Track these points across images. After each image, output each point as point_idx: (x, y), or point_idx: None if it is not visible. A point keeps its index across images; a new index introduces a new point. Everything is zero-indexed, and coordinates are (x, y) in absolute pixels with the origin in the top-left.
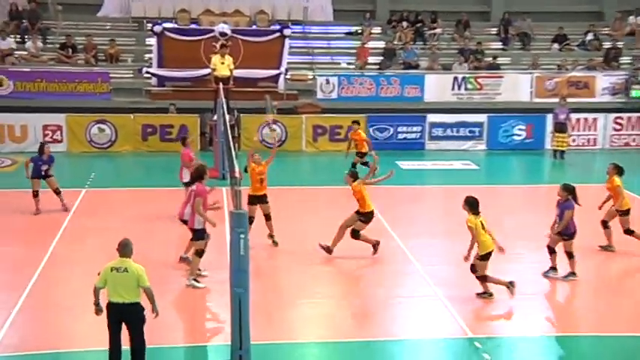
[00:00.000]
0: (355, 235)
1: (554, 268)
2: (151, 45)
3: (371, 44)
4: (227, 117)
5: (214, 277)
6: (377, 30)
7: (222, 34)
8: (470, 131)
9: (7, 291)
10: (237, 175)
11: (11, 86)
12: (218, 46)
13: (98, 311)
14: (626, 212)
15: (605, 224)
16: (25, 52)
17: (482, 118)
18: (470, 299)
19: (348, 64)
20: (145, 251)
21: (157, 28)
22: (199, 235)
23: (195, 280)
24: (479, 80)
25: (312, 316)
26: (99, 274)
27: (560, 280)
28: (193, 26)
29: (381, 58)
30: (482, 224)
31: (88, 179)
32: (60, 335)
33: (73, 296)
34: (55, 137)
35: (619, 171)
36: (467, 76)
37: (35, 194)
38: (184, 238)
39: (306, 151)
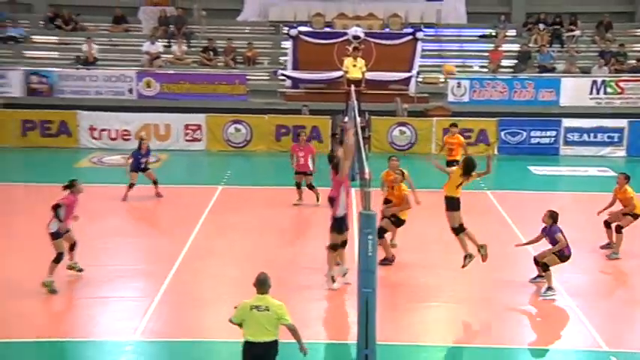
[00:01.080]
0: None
1: None
2: (286, 48)
3: (505, 47)
4: (358, 119)
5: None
6: (512, 32)
7: (356, 37)
8: (608, 137)
9: (150, 280)
10: (366, 176)
11: (158, 87)
12: (350, 49)
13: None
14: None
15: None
16: (171, 56)
17: (622, 123)
18: (604, 312)
19: (481, 67)
20: (277, 249)
21: (293, 32)
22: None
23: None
24: (620, 84)
25: (438, 319)
26: (235, 307)
27: None
28: (327, 29)
29: (515, 61)
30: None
31: (224, 177)
32: (196, 325)
33: (209, 288)
34: (195, 136)
35: (629, 180)
36: (607, 79)
37: (131, 186)
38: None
39: (435, 154)
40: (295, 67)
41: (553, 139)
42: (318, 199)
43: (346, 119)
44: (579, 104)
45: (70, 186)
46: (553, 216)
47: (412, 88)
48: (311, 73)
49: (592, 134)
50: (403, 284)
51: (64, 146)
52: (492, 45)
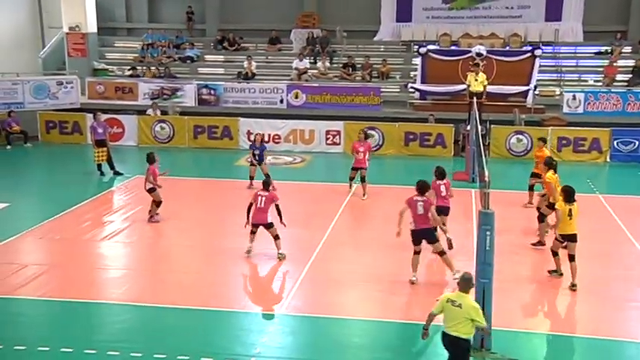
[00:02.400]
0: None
1: None
2: (416, 64)
3: (620, 62)
4: (479, 127)
5: (461, 265)
6: (627, 49)
7: (479, 55)
8: None
9: (294, 264)
10: (486, 179)
11: (304, 98)
12: (472, 64)
13: (425, 335)
14: None
15: None
16: (316, 71)
17: None
18: None
19: (595, 81)
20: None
21: (422, 50)
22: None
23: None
24: None
25: (547, 309)
26: (437, 300)
27: None
28: (453, 48)
29: (630, 75)
30: (570, 212)
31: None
32: (333, 303)
33: (344, 273)
34: (334, 140)
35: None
36: None
37: (251, 179)
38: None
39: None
40: (423, 81)
41: None
42: (364, 195)
43: (468, 127)
44: None
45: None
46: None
47: (529, 100)
48: (437, 86)
49: None
50: (518, 275)
51: (226, 147)
52: (607, 61)
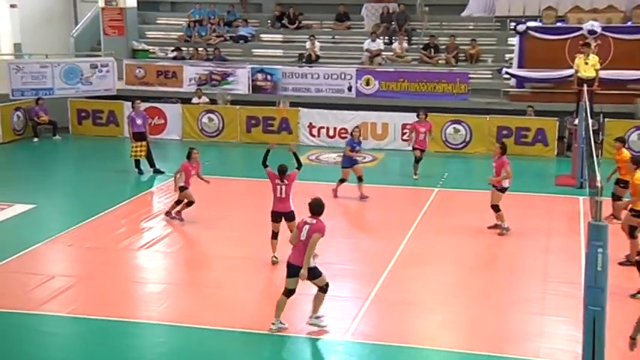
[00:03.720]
0: None
1: None
2: (512, 45)
3: None
4: (590, 121)
5: (558, 287)
6: None
7: (591, 32)
8: None
9: (361, 281)
10: (598, 184)
11: (377, 85)
12: (582, 45)
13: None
14: None
15: None
16: (392, 53)
17: None
18: None
19: None
20: (491, 251)
21: (520, 27)
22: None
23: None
24: None
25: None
26: None
27: None
28: (559, 24)
29: None
30: None
31: (441, 179)
32: (408, 330)
33: (422, 294)
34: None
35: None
36: None
37: (342, 181)
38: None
39: None
40: (521, 65)
41: None
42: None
43: (576, 121)
44: None
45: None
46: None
47: None
48: (538, 71)
49: None
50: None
51: (284, 142)
52: None
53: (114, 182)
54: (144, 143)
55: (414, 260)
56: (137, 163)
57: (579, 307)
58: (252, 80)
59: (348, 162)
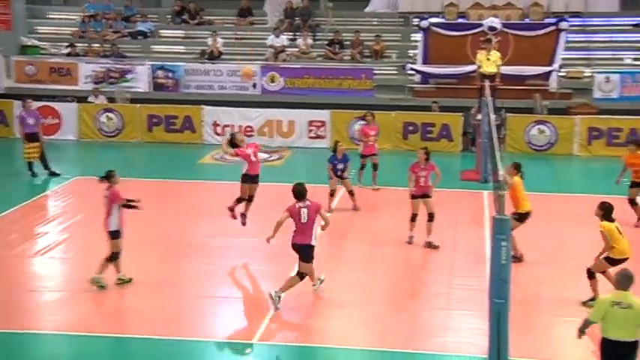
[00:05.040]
0: None
1: None
2: (416, 41)
3: None
4: (492, 116)
5: (462, 281)
6: None
7: (491, 29)
8: None
9: (270, 282)
10: (500, 178)
11: (282, 82)
12: (484, 41)
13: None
14: None
15: None
16: (296, 49)
17: None
18: None
19: (634, 59)
20: (396, 255)
21: (424, 23)
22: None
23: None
24: None
25: (572, 337)
26: (594, 304)
27: None
28: (461, 21)
29: None
30: (618, 229)
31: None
32: (317, 330)
33: (331, 293)
34: (318, 133)
35: None
36: None
37: (332, 193)
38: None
39: (578, 155)
40: (425, 61)
41: None
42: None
43: (479, 116)
44: None
45: (109, 177)
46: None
47: (553, 84)
48: (442, 67)
49: None
50: (537, 295)
51: (187, 142)
52: None
53: (5, 186)
54: (37, 144)
55: (322, 260)
56: (30, 165)
57: (485, 300)
58: (153, 78)
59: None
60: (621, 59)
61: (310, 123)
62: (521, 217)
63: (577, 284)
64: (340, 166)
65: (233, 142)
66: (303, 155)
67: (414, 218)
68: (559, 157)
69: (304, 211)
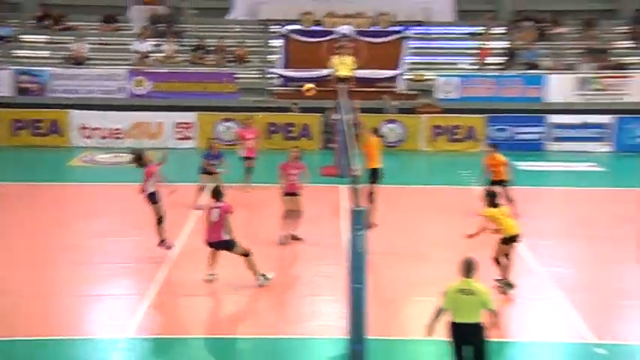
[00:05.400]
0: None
1: None
2: (276, 46)
3: (492, 44)
4: (347, 116)
5: (325, 270)
6: (499, 30)
7: (344, 36)
8: (594, 132)
9: (142, 278)
10: (356, 173)
11: (149, 86)
12: (338, 47)
13: (431, 331)
14: None
15: None
16: (162, 54)
17: (608, 119)
18: (594, 304)
19: (470, 64)
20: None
21: (283, 30)
22: (230, 244)
23: (262, 276)
24: (604, 80)
25: (425, 314)
26: (442, 294)
27: None
28: (317, 28)
29: (503, 58)
30: (501, 212)
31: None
32: (191, 322)
33: (202, 287)
34: (186, 134)
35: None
36: (591, 76)
37: (200, 189)
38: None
39: (424, 150)
40: (285, 66)
41: (539, 134)
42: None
43: (336, 116)
44: (565, 100)
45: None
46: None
47: (400, 86)
48: (301, 71)
49: (578, 130)
50: (390, 278)
51: (55, 145)
52: (480, 43)
53: None
54: None
55: (193, 254)
56: None
57: (345, 286)
58: (18, 82)
59: (202, 170)
60: (459, 64)
61: (178, 125)
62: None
63: (426, 267)
64: (214, 161)
65: (141, 160)
66: (171, 156)
67: (286, 215)
68: (408, 152)
69: (216, 211)
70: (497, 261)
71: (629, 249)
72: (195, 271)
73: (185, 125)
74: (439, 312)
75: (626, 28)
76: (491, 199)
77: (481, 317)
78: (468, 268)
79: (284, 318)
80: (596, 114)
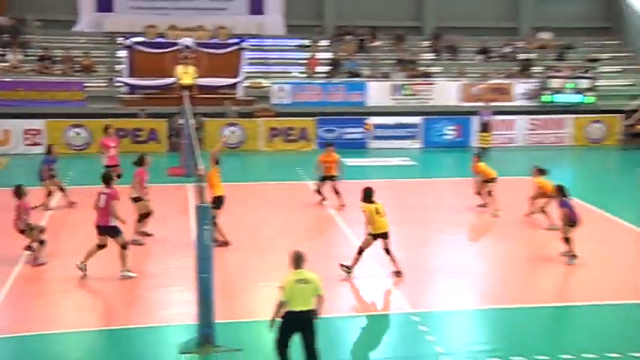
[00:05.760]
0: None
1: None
2: (122, 57)
3: (319, 55)
4: (191, 121)
5: (176, 263)
6: (325, 43)
7: (186, 47)
8: (407, 132)
9: None
10: (201, 172)
11: None
12: (182, 57)
13: (275, 324)
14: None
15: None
16: (7, 64)
17: (417, 120)
18: (409, 279)
19: (300, 72)
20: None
21: (127, 42)
22: (115, 231)
23: (128, 270)
24: (414, 87)
25: (268, 297)
26: (281, 288)
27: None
28: (160, 40)
29: (329, 67)
30: (377, 210)
31: (66, 178)
32: (46, 317)
33: (57, 283)
34: (35, 140)
35: (542, 172)
36: (403, 83)
37: (48, 194)
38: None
39: (263, 150)
40: (131, 75)
41: (362, 134)
42: None
43: (181, 121)
44: (382, 104)
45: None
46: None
47: (239, 92)
48: (146, 79)
49: (394, 130)
50: (236, 268)
51: None
52: (309, 54)
53: None
54: None
55: (50, 252)
56: None
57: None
58: None
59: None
60: (290, 73)
61: (26, 132)
62: (217, 203)
63: (268, 255)
64: (53, 166)
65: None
66: (21, 161)
67: (139, 218)
68: (248, 153)
69: (103, 197)
70: (360, 251)
71: (438, 230)
72: (50, 268)
73: (34, 132)
74: (280, 305)
75: (429, 42)
76: (368, 196)
77: (313, 304)
78: (298, 260)
79: (137, 309)
80: (408, 115)
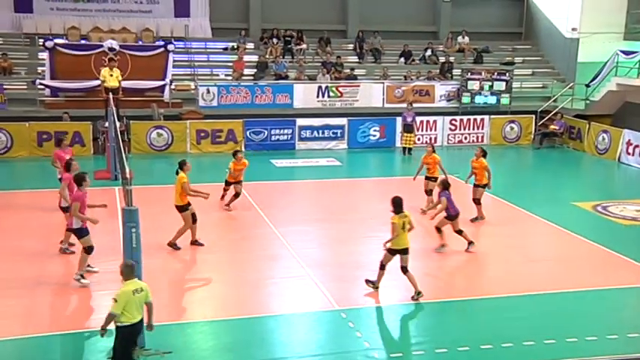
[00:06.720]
0: None
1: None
2: (43, 59)
3: (246, 58)
4: (117, 124)
5: (108, 267)
6: (251, 45)
7: (111, 49)
8: (333, 133)
9: None
10: (127, 175)
11: None
12: (107, 60)
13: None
14: (483, 186)
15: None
16: None
17: (343, 121)
18: (337, 277)
19: (226, 75)
20: (35, 245)
21: (49, 44)
22: (81, 233)
23: (82, 276)
24: (339, 89)
25: (198, 298)
26: (115, 300)
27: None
28: (83, 42)
29: (255, 70)
30: (403, 224)
31: None
32: None
33: None
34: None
35: (484, 154)
36: (329, 85)
37: None
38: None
39: (190, 152)
40: (53, 77)
41: (290, 136)
42: None
43: (106, 124)
44: (309, 106)
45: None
46: (443, 184)
47: (166, 95)
48: (70, 82)
49: (320, 131)
50: (164, 270)
51: None
52: (235, 56)
53: None
54: None
55: None
56: None
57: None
58: None
59: None
60: (217, 75)
61: None
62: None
63: (198, 255)
64: None
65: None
66: None
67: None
68: (176, 155)
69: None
70: (382, 266)
71: (361, 228)
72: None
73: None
74: (112, 318)
75: (352, 45)
76: (399, 206)
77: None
78: (129, 270)
79: (63, 315)
80: (334, 117)
